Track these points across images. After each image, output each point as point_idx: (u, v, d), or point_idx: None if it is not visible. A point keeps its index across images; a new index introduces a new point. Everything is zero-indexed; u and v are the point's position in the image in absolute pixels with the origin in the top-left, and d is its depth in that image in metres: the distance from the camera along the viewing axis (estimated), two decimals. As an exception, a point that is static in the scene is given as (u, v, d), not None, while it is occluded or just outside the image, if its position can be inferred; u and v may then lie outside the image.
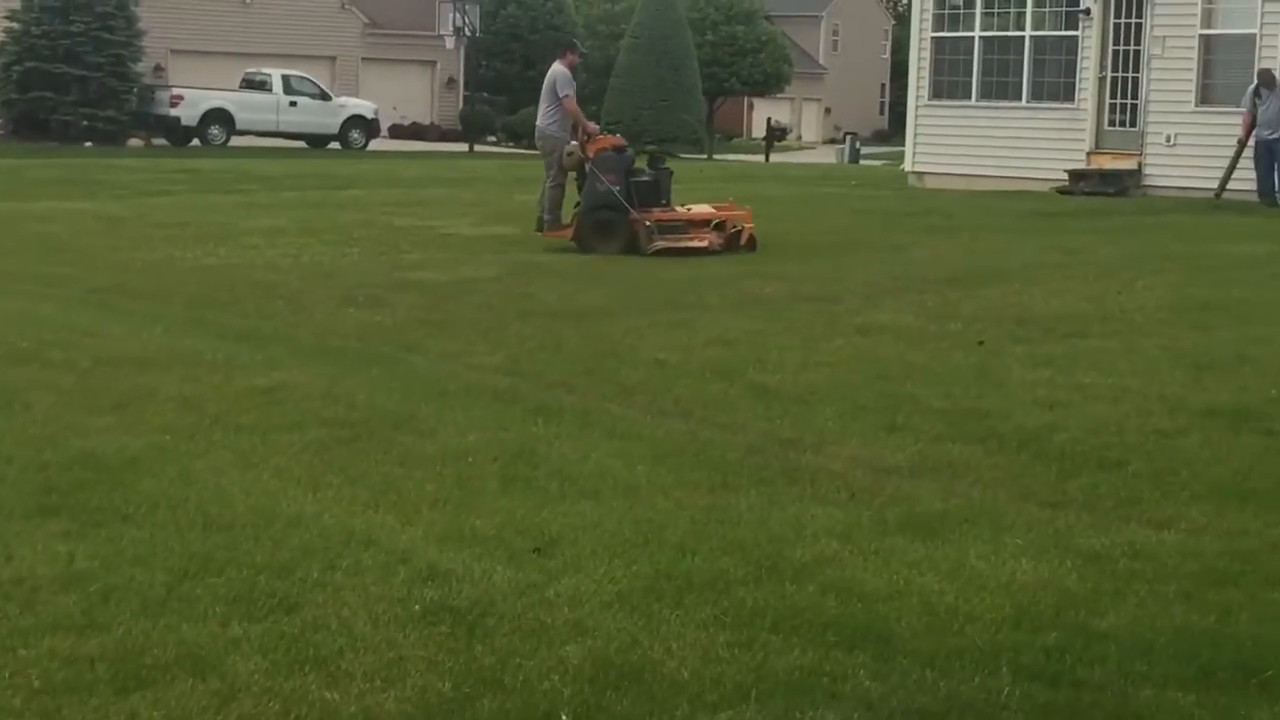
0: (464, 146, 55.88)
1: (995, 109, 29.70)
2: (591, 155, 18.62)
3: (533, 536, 6.93)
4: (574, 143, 18.93)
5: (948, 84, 30.50)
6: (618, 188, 18.38)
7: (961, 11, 30.26)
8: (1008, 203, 25.43)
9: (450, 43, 62.09)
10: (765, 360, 11.20)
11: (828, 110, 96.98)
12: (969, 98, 30.11)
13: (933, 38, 30.67)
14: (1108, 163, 28.14)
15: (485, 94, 66.61)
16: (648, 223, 18.30)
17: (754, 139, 78.84)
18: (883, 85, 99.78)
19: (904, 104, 32.69)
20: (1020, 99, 29.39)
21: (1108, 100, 28.49)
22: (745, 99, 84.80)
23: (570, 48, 20.67)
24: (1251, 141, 25.32)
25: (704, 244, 18.33)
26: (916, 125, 31.11)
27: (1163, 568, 6.63)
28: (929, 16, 30.72)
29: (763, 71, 74.12)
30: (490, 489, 7.76)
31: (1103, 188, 27.33)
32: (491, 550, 6.72)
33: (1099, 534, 7.12)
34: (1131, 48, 28.08)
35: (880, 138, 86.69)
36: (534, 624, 5.86)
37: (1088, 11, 28.25)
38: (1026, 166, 28.79)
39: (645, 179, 18.91)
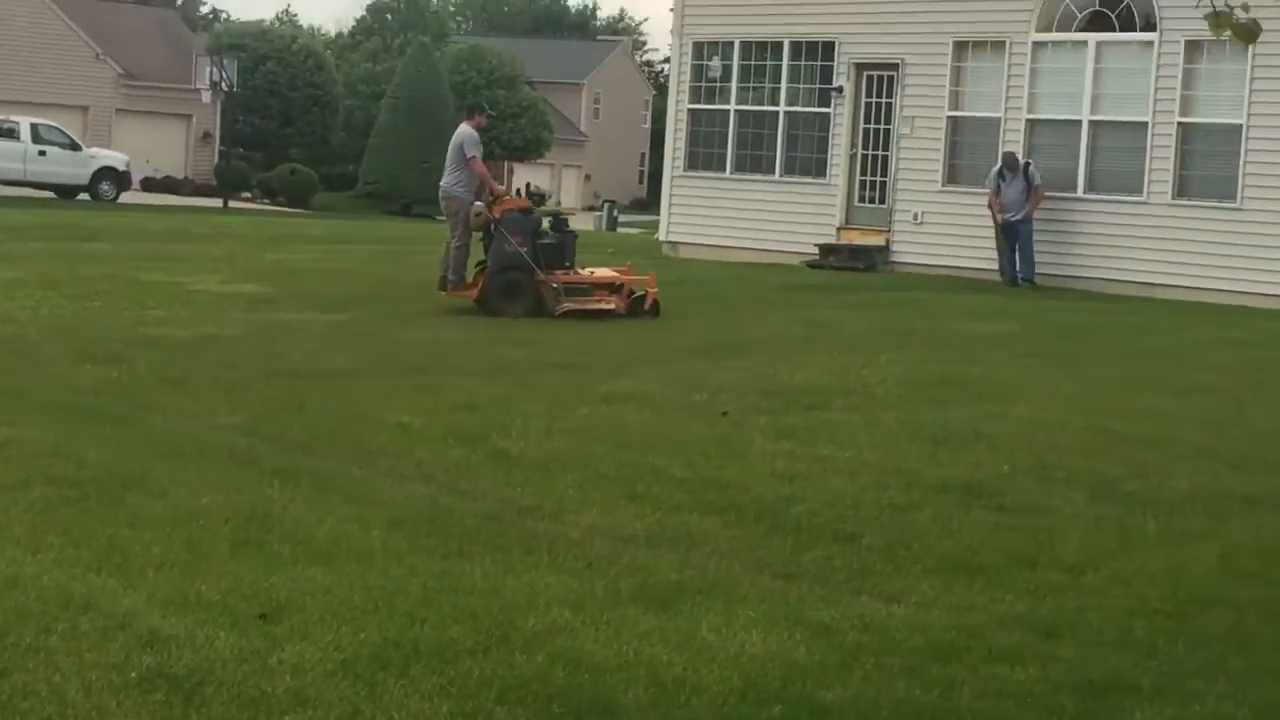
0: (218, 202, 55.07)
1: (749, 182, 30.09)
2: (498, 216, 18.76)
3: (260, 602, 6.78)
4: (479, 204, 19.03)
5: (703, 155, 30.85)
6: (525, 249, 18.55)
7: (718, 85, 30.64)
8: (759, 274, 25.74)
9: (207, 96, 61.20)
10: (509, 426, 11.15)
11: (588, 177, 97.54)
12: (723, 170, 30.47)
13: (689, 109, 31.00)
14: (857, 238, 28.65)
15: (241, 149, 65.82)
16: (554, 285, 18.43)
17: (513, 204, 78.94)
18: (642, 154, 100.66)
19: (662, 173, 32.97)
20: (774, 173, 29.81)
21: (858, 177, 29.03)
22: (505, 163, 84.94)
23: (479, 110, 20.80)
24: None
25: (611, 306, 18.61)
26: (671, 195, 31.40)
27: (890, 641, 6.69)
28: (686, 88, 31.06)
29: (523, 137, 74.50)
30: (220, 553, 7.59)
31: (852, 263, 27.81)
32: (216, 616, 6.56)
33: (830, 606, 7.17)
34: (882, 126, 28.67)
35: (639, 206, 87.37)
36: (254, 692, 5.72)
37: (840, 89, 28.79)
38: (778, 239, 29.20)
39: (551, 241, 19.04)
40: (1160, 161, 25.53)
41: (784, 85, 29.76)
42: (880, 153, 28.73)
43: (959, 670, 6.37)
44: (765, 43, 29.86)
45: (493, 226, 18.73)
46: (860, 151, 28.93)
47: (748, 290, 22.98)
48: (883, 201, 28.58)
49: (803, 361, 15.29)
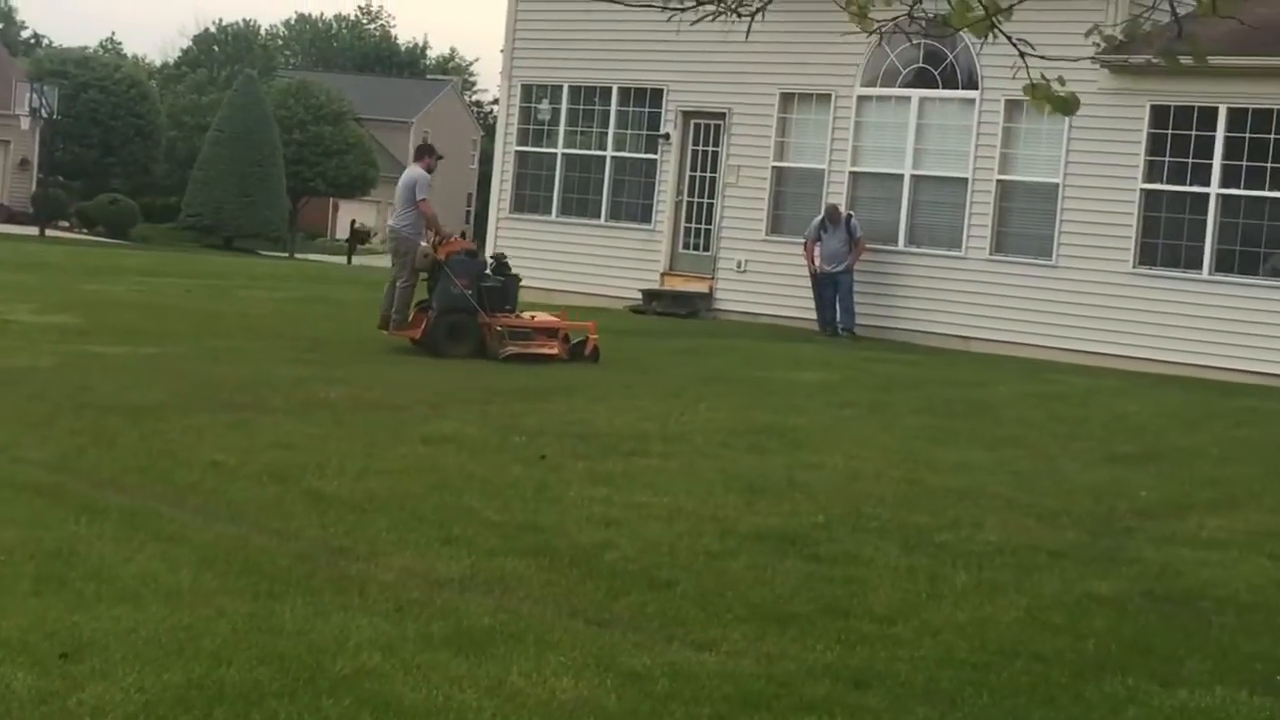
0: (35, 230, 54.13)
1: (575, 225, 30.15)
2: (444, 258, 18.97)
3: (61, 641, 6.64)
4: (425, 244, 19.33)
5: (530, 198, 30.87)
6: (470, 291, 18.76)
7: (546, 128, 30.69)
8: (582, 318, 25.70)
9: (26, 123, 60.25)
10: (324, 466, 11.04)
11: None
12: (550, 213, 30.52)
13: (517, 151, 31.02)
14: (681, 284, 28.80)
15: (60, 177, 64.81)
16: (499, 328, 18.73)
17: (338, 240, 78.44)
18: (469, 195, 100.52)
19: (488, 214, 32.93)
20: (600, 217, 29.91)
21: (683, 224, 29.22)
22: (331, 200, 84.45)
23: (429, 152, 20.90)
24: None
25: (553, 351, 18.84)
26: (497, 237, 31.36)
27: (700, 690, 6.69)
28: (514, 130, 31.08)
29: (349, 174, 74.13)
30: (21, 590, 7.42)
31: (675, 309, 27.96)
32: (14, 655, 6.41)
33: (642, 654, 7.16)
34: (708, 174, 28.89)
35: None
36: (52, 735, 5.59)
37: (667, 136, 28.98)
38: (603, 284, 29.27)
39: (494, 284, 19.26)
40: (979, 218, 25.98)
41: (611, 130, 29.89)
42: (706, 200, 28.94)
43: (767, 719, 6.39)
44: (594, 87, 29.97)
45: (438, 268, 18.98)
46: (686, 199, 29.12)
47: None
48: (707, 249, 28.77)
49: (622, 406, 15.32)
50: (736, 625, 7.78)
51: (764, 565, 9.08)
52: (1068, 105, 6.34)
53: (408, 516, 9.69)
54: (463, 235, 20.24)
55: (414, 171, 20.16)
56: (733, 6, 6.40)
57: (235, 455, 11.24)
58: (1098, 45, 6.27)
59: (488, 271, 19.52)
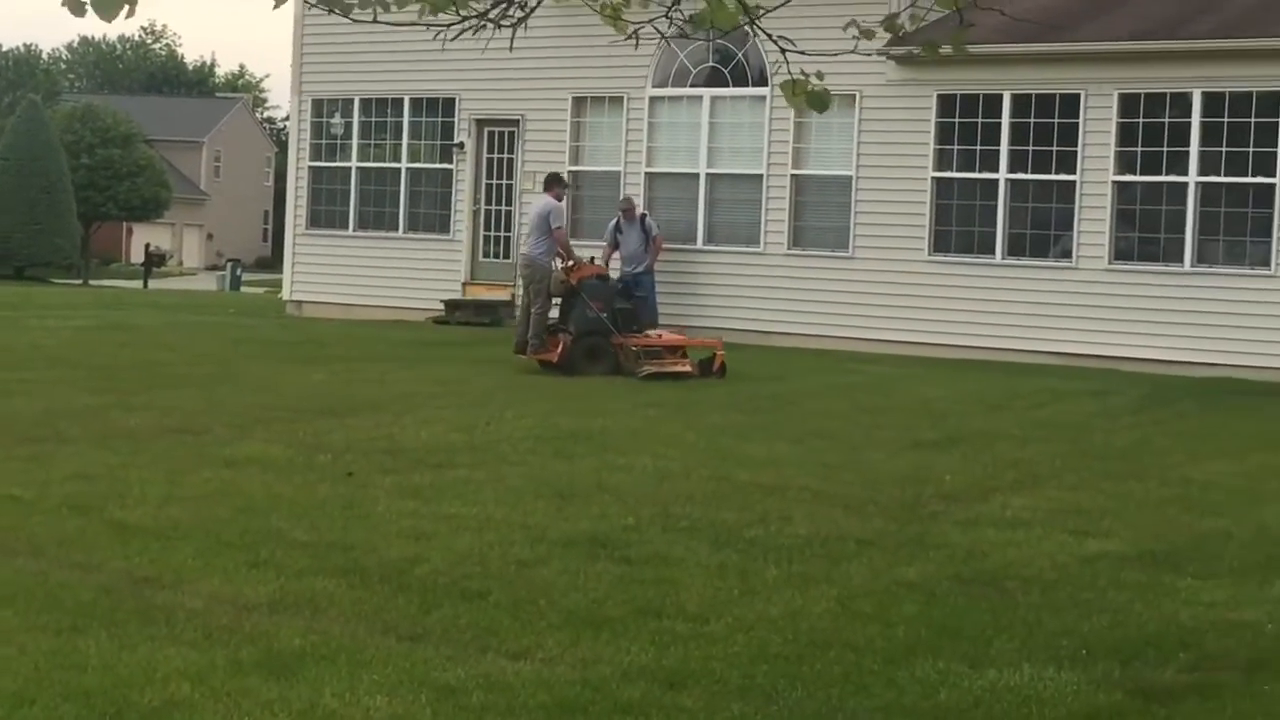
0: None
1: (373, 239, 29.95)
2: (576, 283, 20.21)
3: None
4: (560, 269, 20.57)
5: (326, 213, 30.59)
6: (605, 314, 20.01)
7: (339, 142, 30.45)
8: (385, 332, 25.59)
9: None
10: (127, 495, 10.85)
11: (210, 236, 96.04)
12: (347, 227, 30.28)
13: (311, 166, 30.74)
14: (482, 293, 28.71)
15: None
16: (633, 348, 19.79)
17: (133, 264, 77.22)
18: (266, 212, 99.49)
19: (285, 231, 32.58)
20: (398, 229, 29.73)
21: (483, 233, 29.14)
22: (124, 224, 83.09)
23: (558, 181, 22.14)
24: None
25: (687, 369, 19.76)
26: (295, 253, 31.06)
27: (515, 699, 6.67)
28: (307, 146, 30.79)
29: (140, 196, 73.00)
30: None
31: (477, 318, 27.85)
32: None
33: (456, 666, 7.12)
34: (505, 182, 28.84)
35: (264, 265, 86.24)
36: None
37: (461, 146, 28.88)
38: (404, 296, 29.10)
39: (626, 306, 20.61)
40: (775, 213, 26.20)
41: (405, 142, 29.73)
42: (504, 208, 28.88)
43: (584, 725, 6.39)
44: (386, 99, 29.78)
45: (573, 293, 20.22)
46: (484, 207, 29.04)
47: (373, 348, 22.82)
48: (507, 256, 28.70)
49: (429, 418, 15.24)
50: (550, 632, 7.77)
51: (576, 570, 9.08)
52: (821, 101, 6.41)
53: (214, 542, 9.54)
54: (592, 260, 21.48)
55: (546, 201, 21.38)
56: (494, 19, 6.37)
57: (33, 489, 11.00)
58: (856, 39, 6.32)
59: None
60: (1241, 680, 7.38)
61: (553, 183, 22.01)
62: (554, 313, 20.86)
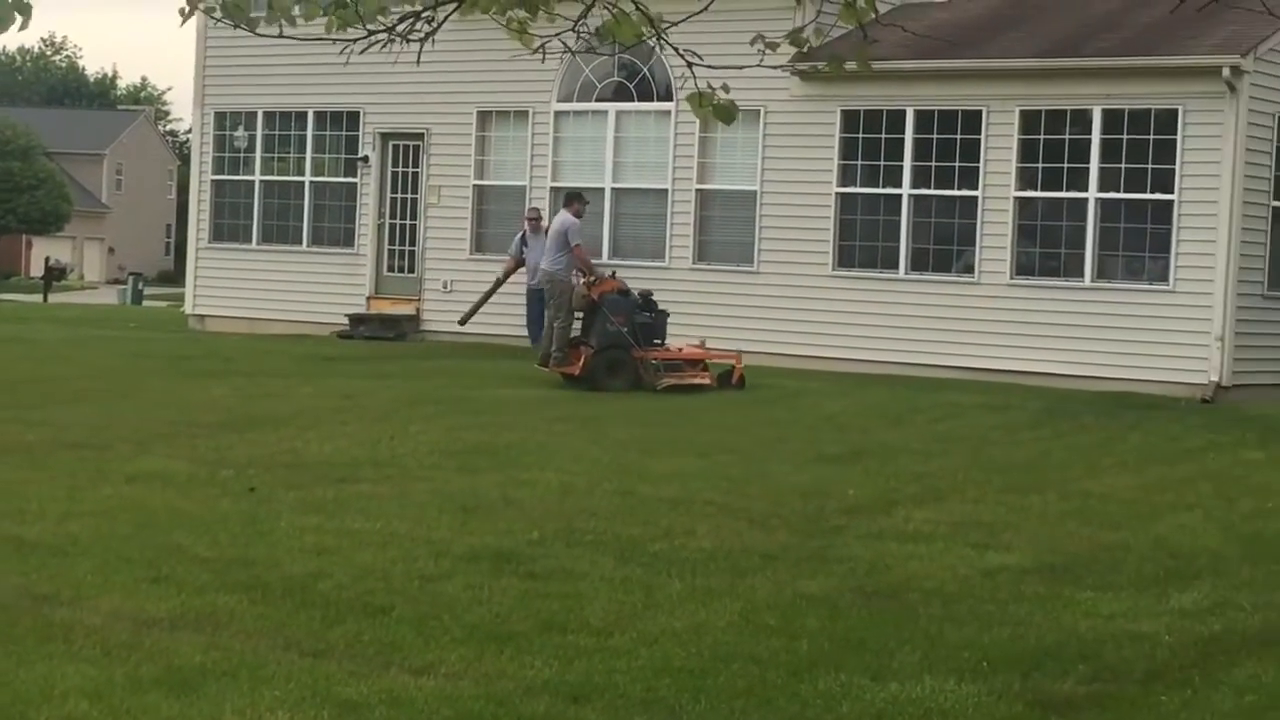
0: None
1: (276, 253, 29.75)
2: (597, 297, 20.58)
3: None
4: (582, 284, 21.07)
5: (229, 226, 30.38)
6: (625, 328, 20.41)
7: (242, 155, 30.25)
8: (288, 346, 25.45)
9: None
10: (24, 511, 10.74)
11: (111, 250, 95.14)
12: (250, 241, 30.08)
13: (213, 180, 30.52)
14: (387, 307, 28.60)
15: None
16: (653, 361, 20.19)
17: (33, 278, 76.40)
18: (168, 225, 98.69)
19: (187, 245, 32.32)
20: (301, 243, 29.57)
21: (387, 246, 29.02)
22: (24, 237, 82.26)
23: (577, 198, 22.70)
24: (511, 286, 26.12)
25: (706, 381, 20.34)
26: (197, 267, 30.84)
27: (419, 715, 6.66)
28: (209, 159, 30.57)
29: (41, 209, 72.32)
30: None
31: (382, 332, 27.75)
32: None
33: (359, 682, 7.09)
34: (410, 196, 28.74)
35: (166, 278, 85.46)
36: None
37: (366, 159, 28.76)
38: (308, 310, 28.92)
39: (647, 320, 20.92)
40: (681, 227, 26.23)
41: (309, 155, 29.56)
42: (409, 222, 28.77)
43: (488, 740, 6.38)
44: (289, 112, 29.61)
45: (594, 307, 20.60)
46: (388, 221, 28.93)
47: (276, 362, 22.68)
48: (412, 270, 28.61)
49: (332, 433, 15.17)
50: (454, 647, 7.76)
51: (480, 585, 9.07)
52: (728, 113, 6.45)
53: (114, 558, 9.47)
54: (613, 275, 21.82)
55: (565, 218, 21.95)
56: (401, 34, 6.37)
57: (-71, 505, 10.88)
58: (762, 53, 6.36)
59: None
60: (1139, 691, 7.47)
61: (572, 199, 22.63)
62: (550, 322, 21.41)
